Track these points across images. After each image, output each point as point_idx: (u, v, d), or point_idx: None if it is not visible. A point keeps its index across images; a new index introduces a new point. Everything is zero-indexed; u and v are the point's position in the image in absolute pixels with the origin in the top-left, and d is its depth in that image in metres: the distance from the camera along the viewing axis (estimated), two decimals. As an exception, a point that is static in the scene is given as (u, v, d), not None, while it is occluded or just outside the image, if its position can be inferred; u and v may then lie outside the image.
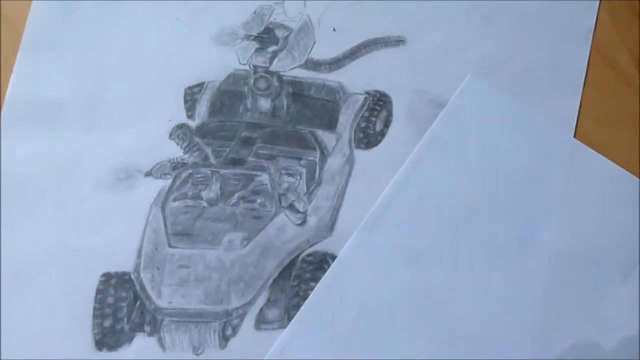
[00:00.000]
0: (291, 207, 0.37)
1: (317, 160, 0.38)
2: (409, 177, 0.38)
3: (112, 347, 0.34)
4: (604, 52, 0.40)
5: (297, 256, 0.36)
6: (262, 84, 0.38)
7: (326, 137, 0.38)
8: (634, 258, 0.37)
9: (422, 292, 0.35)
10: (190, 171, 0.37)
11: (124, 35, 0.38)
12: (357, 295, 0.36)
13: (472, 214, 0.37)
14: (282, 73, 0.39)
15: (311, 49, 0.39)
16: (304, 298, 0.36)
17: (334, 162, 0.38)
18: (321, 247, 0.36)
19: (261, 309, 0.35)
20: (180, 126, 0.37)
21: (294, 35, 0.39)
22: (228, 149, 0.37)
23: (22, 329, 0.34)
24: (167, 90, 0.38)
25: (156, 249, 0.35)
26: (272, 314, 0.35)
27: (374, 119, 0.39)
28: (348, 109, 0.39)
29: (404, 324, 0.35)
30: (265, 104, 0.38)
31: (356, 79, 0.39)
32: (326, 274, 0.36)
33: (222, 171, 0.37)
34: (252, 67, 0.39)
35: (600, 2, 0.41)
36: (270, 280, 0.36)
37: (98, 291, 0.35)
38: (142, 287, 0.35)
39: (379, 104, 0.39)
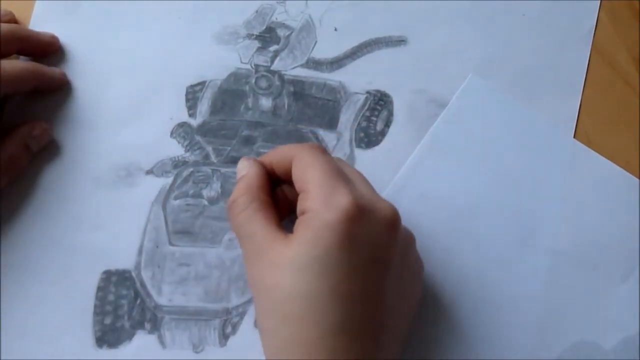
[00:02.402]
0: (292, 205, 0.37)
1: (318, 159, 0.38)
2: (409, 176, 0.38)
3: (113, 344, 0.34)
4: (604, 53, 0.40)
5: (298, 255, 0.36)
6: (263, 83, 0.38)
7: (327, 136, 0.38)
8: (634, 258, 0.37)
9: (421, 292, 0.35)
10: (191, 169, 0.37)
11: (125, 33, 0.38)
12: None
13: (473, 214, 0.37)
14: (283, 72, 0.39)
15: (312, 49, 0.39)
16: (304, 296, 0.36)
17: (334, 162, 0.38)
18: (321, 245, 0.36)
19: (261, 307, 0.35)
20: (182, 125, 0.37)
21: (296, 35, 0.39)
22: (229, 148, 0.37)
23: (22, 326, 0.34)
24: (168, 88, 0.38)
25: (157, 247, 0.36)
26: (272, 312, 0.35)
27: (374, 118, 0.39)
28: (349, 109, 0.39)
29: (404, 323, 0.35)
30: (266, 103, 0.38)
31: (357, 79, 0.39)
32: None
33: (223, 170, 0.37)
34: (253, 66, 0.39)
35: (600, 2, 0.41)
36: (271, 279, 0.36)
37: (99, 288, 0.35)
38: (143, 285, 0.35)
39: (379, 103, 0.39)
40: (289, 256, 0.27)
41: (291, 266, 0.27)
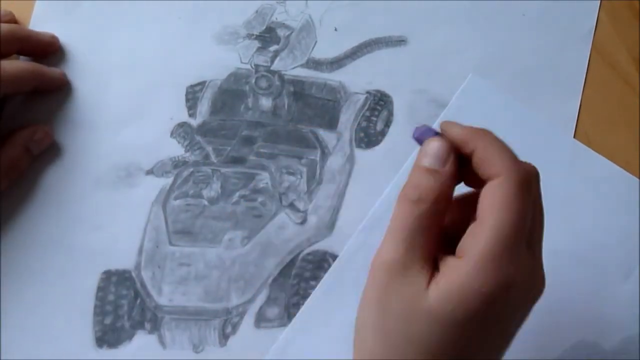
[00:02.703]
0: (292, 206, 0.37)
1: (318, 159, 0.38)
2: (409, 176, 0.38)
3: (113, 344, 0.34)
4: (604, 53, 0.40)
5: (297, 255, 0.36)
6: (263, 83, 0.38)
7: (327, 136, 0.38)
8: (634, 258, 0.37)
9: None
10: (191, 170, 0.37)
11: (125, 33, 0.38)
12: (358, 294, 0.36)
13: (473, 213, 0.37)
14: (283, 72, 0.39)
15: (312, 49, 0.39)
16: (304, 297, 0.36)
17: (334, 162, 0.38)
18: (321, 246, 0.36)
19: (261, 307, 0.35)
20: (182, 125, 0.37)
21: (296, 35, 0.39)
22: (229, 148, 0.37)
23: (22, 325, 0.34)
24: (168, 88, 0.38)
25: (157, 247, 0.36)
26: (272, 312, 0.35)
27: (374, 118, 0.39)
28: (349, 109, 0.39)
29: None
30: (266, 103, 0.38)
31: (357, 79, 0.39)
32: (327, 273, 0.36)
33: (223, 170, 0.37)
34: (253, 66, 0.39)
35: (600, 2, 0.41)
36: (270, 279, 0.36)
37: (99, 289, 0.35)
38: (143, 285, 0.35)
39: (379, 103, 0.39)
40: (433, 306, 0.24)
41: (429, 316, 0.24)
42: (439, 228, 0.26)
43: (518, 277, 0.24)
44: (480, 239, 0.24)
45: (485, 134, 0.26)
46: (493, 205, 0.24)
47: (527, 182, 0.25)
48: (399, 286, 0.25)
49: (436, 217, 0.26)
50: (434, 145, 0.26)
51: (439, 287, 0.24)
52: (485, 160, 0.26)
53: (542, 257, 0.27)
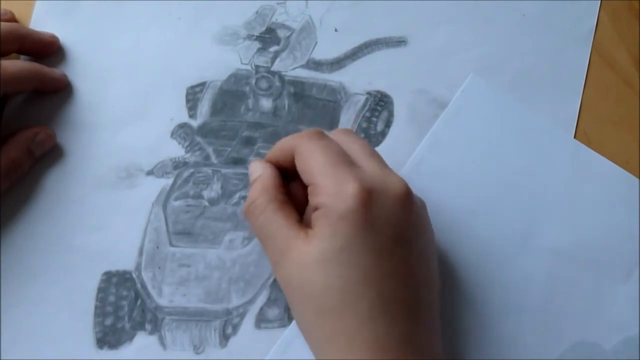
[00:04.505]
0: (292, 206, 0.37)
1: (318, 159, 0.38)
2: (410, 177, 0.38)
3: (113, 345, 0.34)
4: (604, 53, 0.40)
5: (298, 255, 0.36)
6: (263, 84, 0.38)
7: (327, 137, 0.38)
8: (634, 258, 0.37)
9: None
10: (191, 170, 0.37)
11: (125, 34, 0.38)
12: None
13: (473, 214, 0.37)
14: (283, 73, 0.39)
15: (313, 49, 0.39)
16: (305, 297, 0.36)
17: (335, 162, 0.38)
18: (322, 246, 0.36)
19: (261, 308, 0.35)
20: (182, 125, 0.37)
21: (296, 36, 0.39)
22: (229, 149, 0.37)
23: (22, 327, 0.34)
24: (168, 89, 0.38)
25: (157, 247, 0.36)
26: (273, 312, 0.35)
27: (375, 119, 0.39)
28: (349, 109, 0.39)
29: (405, 323, 0.35)
30: (266, 103, 0.38)
31: (357, 79, 0.39)
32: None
33: (224, 170, 0.37)
34: (253, 67, 0.39)
35: (600, 2, 0.41)
36: (271, 280, 0.36)
37: (99, 290, 0.35)
38: (143, 286, 0.35)
39: (380, 104, 0.39)
40: (314, 254, 0.28)
41: (317, 263, 0.27)
42: (287, 206, 0.31)
43: (358, 187, 0.28)
44: (314, 188, 0.29)
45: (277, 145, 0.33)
46: (303, 163, 0.30)
47: (310, 135, 0.31)
48: (290, 261, 0.29)
49: (278, 202, 0.30)
50: (250, 166, 0.33)
51: (312, 237, 0.28)
52: (281, 150, 0.32)
53: (380, 166, 0.30)
